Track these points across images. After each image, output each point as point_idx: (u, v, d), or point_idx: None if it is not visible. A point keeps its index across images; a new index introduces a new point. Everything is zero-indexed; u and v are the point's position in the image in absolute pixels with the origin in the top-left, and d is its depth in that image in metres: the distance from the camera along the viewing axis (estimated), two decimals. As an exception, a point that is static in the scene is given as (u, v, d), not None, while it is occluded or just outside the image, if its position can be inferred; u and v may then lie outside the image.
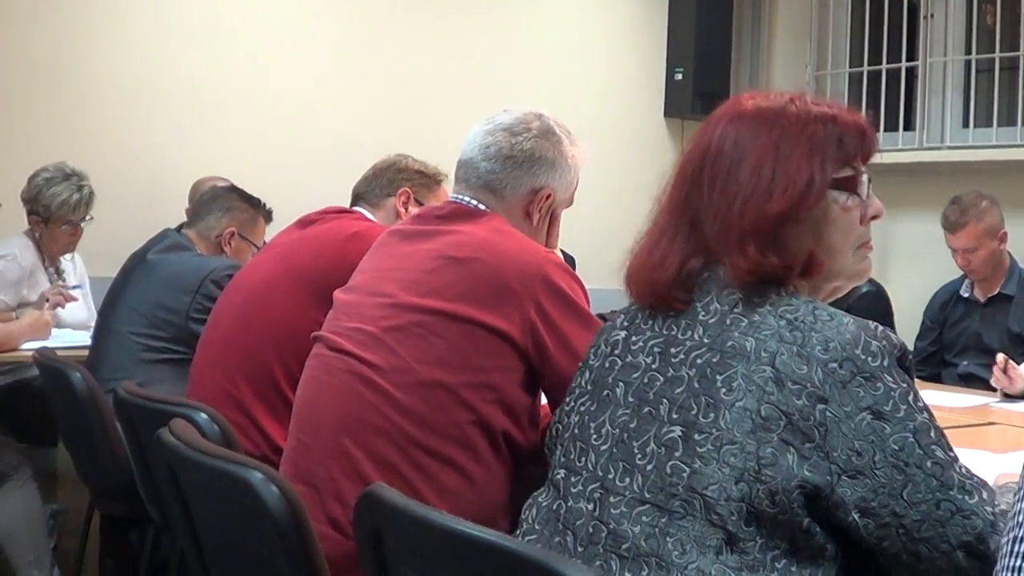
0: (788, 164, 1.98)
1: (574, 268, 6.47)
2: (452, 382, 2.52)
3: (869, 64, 7.73)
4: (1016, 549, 1.40)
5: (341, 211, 3.66)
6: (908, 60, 7.49)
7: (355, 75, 6.99)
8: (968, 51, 7.23)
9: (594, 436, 2.02)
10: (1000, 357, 4.43)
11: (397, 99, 7.08)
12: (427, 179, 3.76)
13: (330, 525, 2.49)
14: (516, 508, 2.23)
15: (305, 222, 3.60)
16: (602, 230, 7.58)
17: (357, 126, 6.90)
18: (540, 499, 2.09)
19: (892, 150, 7.41)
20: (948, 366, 5.45)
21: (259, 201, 4.52)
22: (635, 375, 2.01)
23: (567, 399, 2.16)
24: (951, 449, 1.82)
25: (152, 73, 6.36)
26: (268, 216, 4.61)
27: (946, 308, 5.50)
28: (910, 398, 1.81)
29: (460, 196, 2.82)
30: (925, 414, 1.82)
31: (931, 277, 5.54)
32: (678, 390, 1.92)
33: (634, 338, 2.05)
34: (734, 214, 1.97)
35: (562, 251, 5.67)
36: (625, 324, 2.10)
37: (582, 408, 2.08)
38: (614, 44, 7.86)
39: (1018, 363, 4.82)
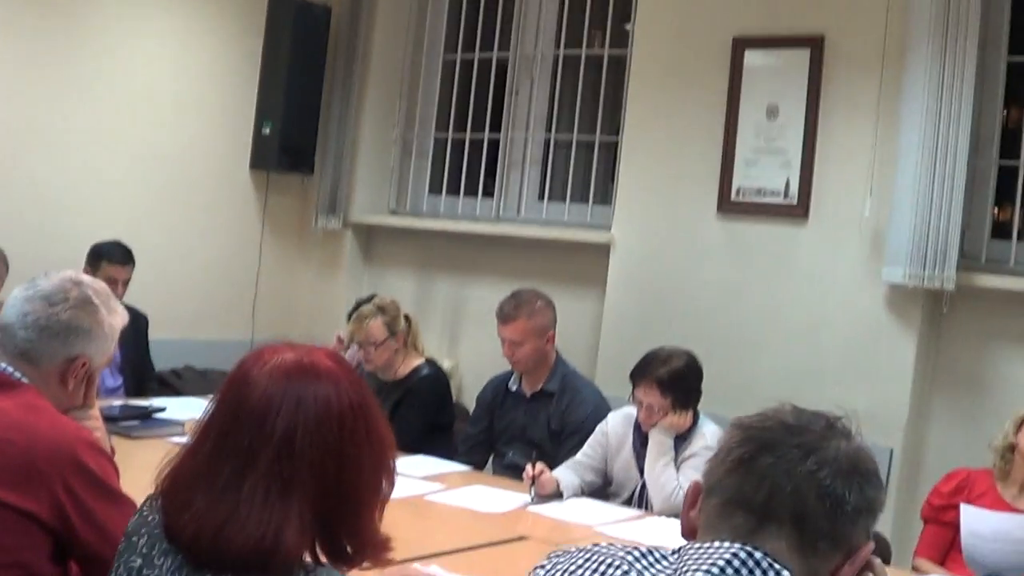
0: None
1: (147, 325, 6.42)
2: None
3: (455, 131, 7.99)
4: None
5: None
6: (492, 131, 7.79)
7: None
8: (549, 128, 7.58)
9: None
10: (528, 469, 4.69)
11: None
12: None
13: None
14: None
15: None
16: (181, 281, 7.57)
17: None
18: None
19: (469, 219, 7.70)
20: (498, 454, 5.63)
21: None
22: None
23: None
24: None
25: None
26: None
27: (496, 398, 5.65)
28: None
29: None
30: None
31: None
32: None
33: (146, 572, 2.07)
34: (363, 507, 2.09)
35: (133, 308, 5.63)
36: (144, 550, 2.10)
37: None
38: (204, 95, 7.76)
39: (555, 456, 5.11)
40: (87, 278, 2.96)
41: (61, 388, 2.85)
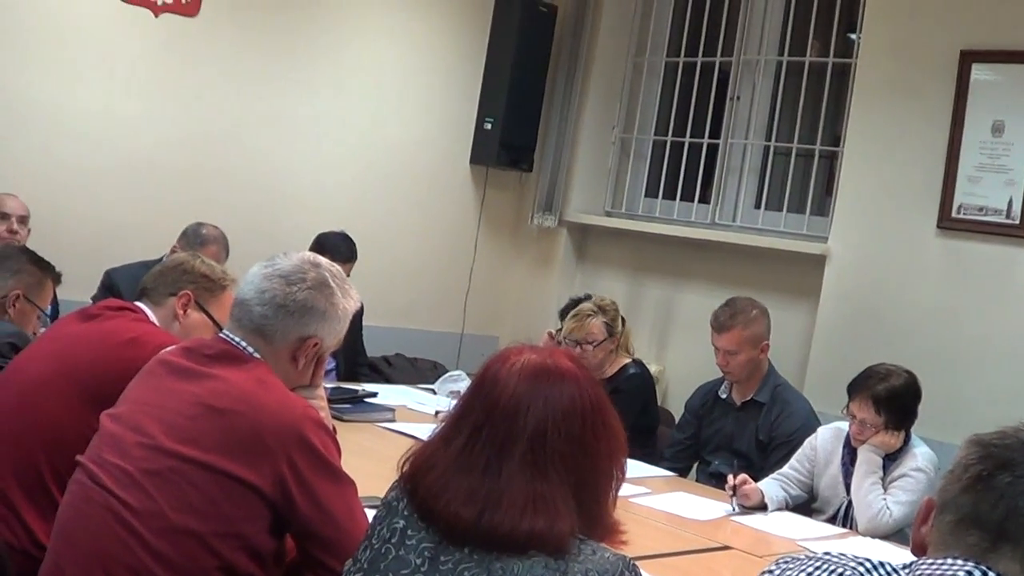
0: None
1: (362, 312, 6.57)
2: (202, 531, 2.61)
3: (674, 135, 8.00)
4: None
5: (122, 307, 3.62)
6: (711, 136, 7.77)
7: (164, 98, 6.82)
8: (768, 137, 7.54)
9: None
10: (729, 479, 4.67)
11: (207, 126, 6.97)
12: (211, 283, 3.72)
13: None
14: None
15: (86, 315, 3.57)
16: (399, 270, 7.73)
17: (165, 148, 6.80)
18: None
19: (684, 224, 7.70)
20: (703, 462, 5.63)
21: (49, 264, 4.44)
22: (404, 571, 2.20)
23: (349, 566, 2.33)
24: None
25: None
26: (57, 279, 4.51)
27: (705, 405, 5.64)
28: None
29: (231, 336, 2.89)
30: None
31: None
32: None
33: (410, 532, 2.24)
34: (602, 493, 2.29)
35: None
36: (405, 513, 2.27)
37: None
38: (429, 90, 7.93)
39: (762, 467, 5.10)
40: (325, 260, 3.02)
41: (291, 366, 2.92)
